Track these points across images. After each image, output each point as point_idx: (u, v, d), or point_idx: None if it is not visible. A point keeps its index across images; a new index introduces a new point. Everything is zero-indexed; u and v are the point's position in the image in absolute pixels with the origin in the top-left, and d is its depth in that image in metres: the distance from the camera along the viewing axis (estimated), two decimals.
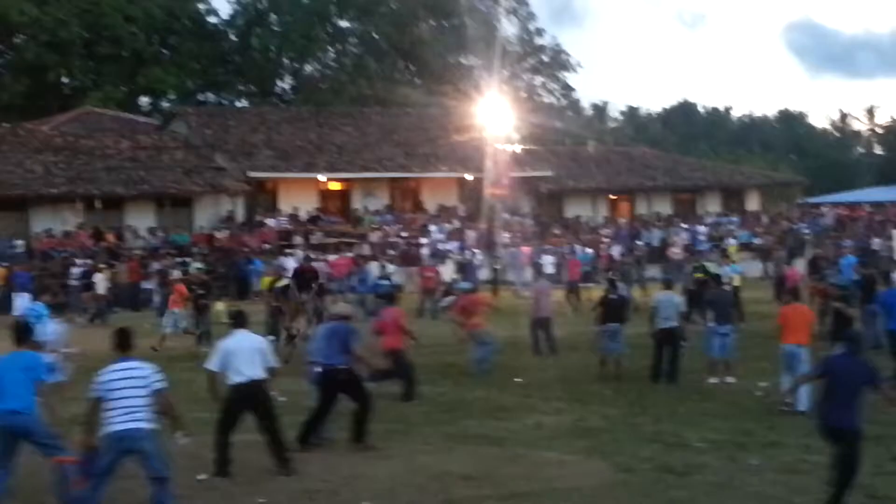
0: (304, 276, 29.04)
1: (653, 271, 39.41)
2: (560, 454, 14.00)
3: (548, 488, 12.19)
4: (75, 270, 37.72)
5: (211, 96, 70.37)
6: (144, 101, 66.85)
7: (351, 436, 14.75)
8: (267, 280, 31.10)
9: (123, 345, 11.26)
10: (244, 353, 12.89)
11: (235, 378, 12.74)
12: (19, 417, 11.25)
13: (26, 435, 11.37)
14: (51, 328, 19.11)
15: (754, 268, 43.33)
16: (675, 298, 21.16)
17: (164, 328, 27.78)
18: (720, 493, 11.93)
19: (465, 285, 27.90)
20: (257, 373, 12.73)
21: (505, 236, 45.45)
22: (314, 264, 35.48)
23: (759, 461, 13.40)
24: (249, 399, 12.93)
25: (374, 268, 38.81)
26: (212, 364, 13.00)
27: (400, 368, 19.23)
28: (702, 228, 50.70)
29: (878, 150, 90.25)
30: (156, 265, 39.61)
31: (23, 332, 12.10)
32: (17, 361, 11.68)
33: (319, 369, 14.98)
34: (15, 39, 63.28)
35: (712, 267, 31.01)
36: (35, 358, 11.82)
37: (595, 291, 30.73)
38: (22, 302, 32.28)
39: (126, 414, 10.51)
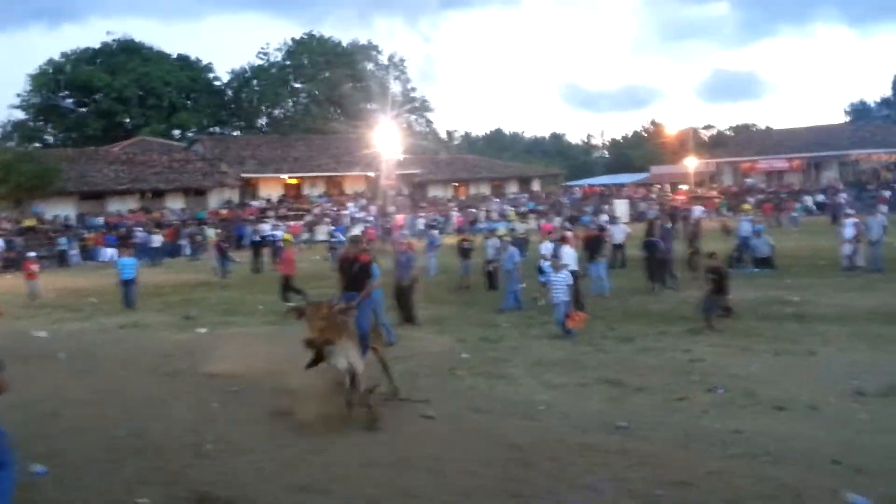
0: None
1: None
2: (424, 334, 14.57)
3: (415, 353, 12.57)
4: (139, 234, 39.26)
5: (217, 129, 72.13)
6: (176, 132, 68.58)
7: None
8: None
9: None
10: None
11: None
12: None
13: None
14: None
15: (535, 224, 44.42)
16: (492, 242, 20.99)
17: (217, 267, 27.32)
18: (519, 352, 12.54)
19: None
20: None
21: (393, 208, 48.28)
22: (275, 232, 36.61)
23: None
24: None
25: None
26: None
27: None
28: (506, 201, 55.80)
29: (606, 154, 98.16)
30: (186, 230, 41.68)
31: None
32: None
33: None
34: (95, 96, 65.29)
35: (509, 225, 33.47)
36: None
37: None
38: (112, 252, 35.19)
39: None
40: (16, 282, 26.80)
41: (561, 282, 14.11)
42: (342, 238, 34.85)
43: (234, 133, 71.48)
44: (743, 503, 6.28)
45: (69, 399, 9.77)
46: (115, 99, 64.42)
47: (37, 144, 63.20)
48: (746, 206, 38.63)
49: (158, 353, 13.44)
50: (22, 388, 9.76)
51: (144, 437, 8.48)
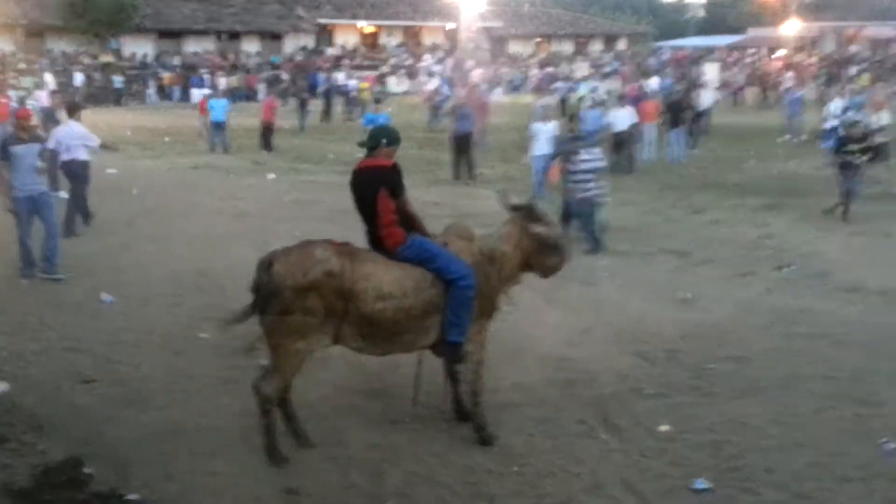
0: None
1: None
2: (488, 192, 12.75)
3: (483, 212, 11.80)
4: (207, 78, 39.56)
5: None
6: None
7: None
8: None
9: None
10: None
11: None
12: None
13: None
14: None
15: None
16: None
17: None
18: None
19: None
20: None
21: (471, 63, 44.11)
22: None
23: None
24: None
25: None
26: None
27: None
28: (587, 61, 53.59)
29: (699, 14, 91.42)
30: (264, 74, 41.90)
31: None
32: None
33: None
34: None
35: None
36: None
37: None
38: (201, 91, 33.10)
39: None
40: (94, 117, 27.23)
41: (546, 133, 13.14)
42: (448, 94, 30.71)
43: None
44: (797, 382, 6.20)
45: (138, 234, 10.08)
46: None
47: None
48: (862, 80, 35.77)
49: (226, 195, 13.67)
50: (95, 221, 10.16)
51: (208, 276, 8.75)
